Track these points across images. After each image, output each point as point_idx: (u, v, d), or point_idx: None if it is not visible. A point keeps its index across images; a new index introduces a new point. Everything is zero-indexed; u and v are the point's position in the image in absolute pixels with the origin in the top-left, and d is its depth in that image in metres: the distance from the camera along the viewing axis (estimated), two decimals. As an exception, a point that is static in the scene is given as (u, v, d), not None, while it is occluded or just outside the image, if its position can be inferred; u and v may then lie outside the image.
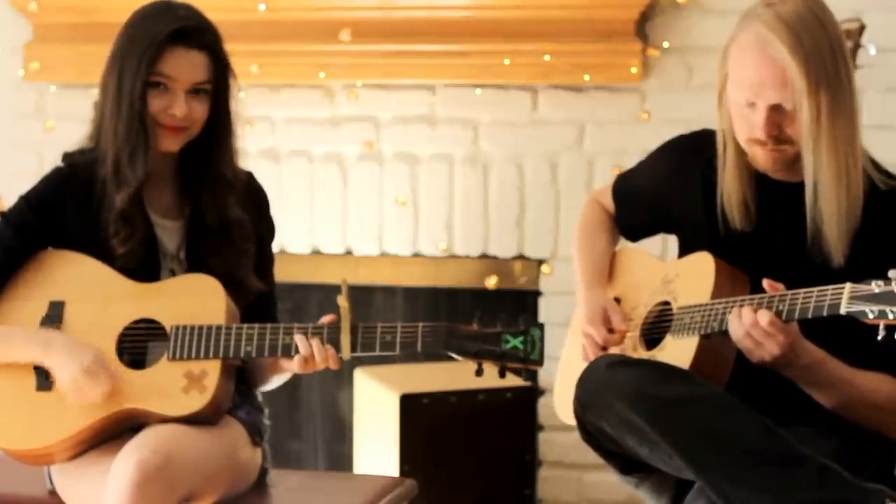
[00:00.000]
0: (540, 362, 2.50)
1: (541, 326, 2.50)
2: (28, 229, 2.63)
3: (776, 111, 2.48)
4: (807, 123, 2.46)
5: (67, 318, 2.60)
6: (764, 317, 2.38)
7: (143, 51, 2.56)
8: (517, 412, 3.71)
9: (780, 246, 2.57)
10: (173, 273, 2.66)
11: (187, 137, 2.63)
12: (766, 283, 2.43)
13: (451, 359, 2.53)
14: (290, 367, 2.56)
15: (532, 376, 3.89)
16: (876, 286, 2.26)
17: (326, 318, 2.55)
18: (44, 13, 4.14)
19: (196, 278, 2.61)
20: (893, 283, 2.24)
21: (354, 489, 2.80)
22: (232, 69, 2.66)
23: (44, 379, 2.55)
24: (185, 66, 2.58)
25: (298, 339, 2.52)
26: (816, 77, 2.44)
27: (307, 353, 2.51)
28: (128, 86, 2.57)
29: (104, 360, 2.52)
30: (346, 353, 2.52)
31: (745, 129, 2.53)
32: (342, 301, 2.51)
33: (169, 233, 2.67)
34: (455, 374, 3.80)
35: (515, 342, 2.50)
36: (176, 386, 2.51)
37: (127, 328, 2.58)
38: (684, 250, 2.73)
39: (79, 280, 2.61)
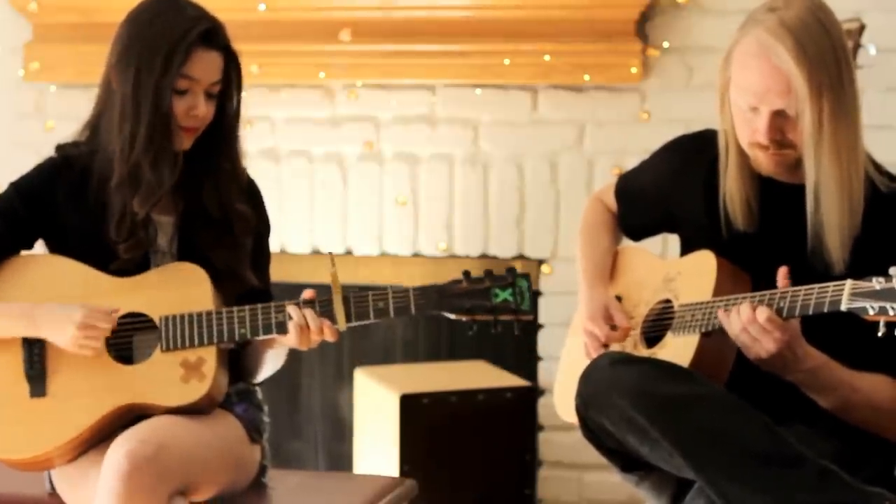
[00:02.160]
0: (530, 313, 2.54)
1: (526, 276, 2.53)
2: (15, 217, 2.62)
3: (779, 116, 2.47)
4: (809, 129, 2.46)
5: None
6: (762, 313, 2.38)
7: (167, 53, 2.53)
8: (517, 412, 3.70)
9: (782, 247, 2.57)
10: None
11: (197, 135, 2.64)
12: (781, 271, 2.42)
13: (447, 326, 2.54)
14: (287, 342, 2.54)
15: (532, 376, 3.92)
16: (877, 283, 2.26)
17: (309, 293, 2.54)
18: (44, 13, 4.14)
19: (178, 267, 2.60)
20: (894, 280, 2.25)
21: (354, 489, 2.80)
22: (240, 66, 2.66)
23: (37, 385, 2.54)
24: (209, 68, 2.58)
25: (291, 309, 2.50)
26: (819, 83, 2.44)
27: (301, 322, 2.50)
28: (151, 89, 2.54)
29: (93, 308, 2.51)
30: (342, 323, 2.51)
31: (747, 133, 2.53)
32: (332, 273, 2.51)
33: (161, 228, 2.66)
34: (455, 374, 3.80)
35: (505, 295, 2.52)
36: (174, 376, 2.51)
37: None
38: (686, 250, 2.73)
39: (55, 281, 2.59)
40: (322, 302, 2.52)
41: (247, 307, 2.54)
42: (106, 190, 2.61)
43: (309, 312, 2.50)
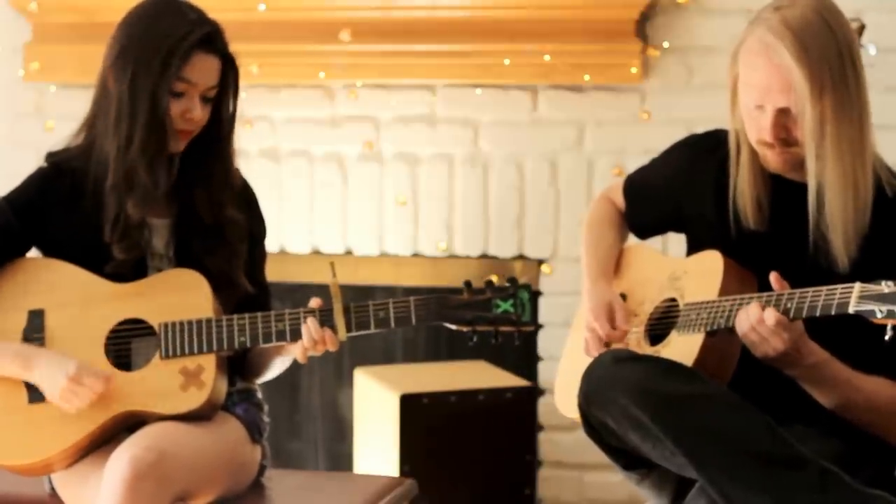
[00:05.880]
0: (531, 324, 2.55)
1: (527, 287, 2.54)
2: (9, 231, 2.61)
3: (783, 114, 2.48)
4: (810, 128, 2.46)
5: (49, 327, 2.57)
6: (770, 317, 2.37)
7: (166, 55, 2.52)
8: (517, 412, 3.70)
9: (791, 245, 2.57)
10: (160, 272, 2.64)
11: (191, 138, 2.63)
12: (773, 276, 2.43)
13: (446, 328, 2.55)
14: (293, 351, 2.55)
15: (532, 376, 3.91)
16: (886, 286, 2.26)
17: (314, 302, 2.55)
18: (44, 13, 4.14)
19: (177, 273, 2.59)
20: (903, 284, 2.25)
21: (354, 489, 2.80)
22: (238, 71, 2.65)
23: (36, 391, 2.53)
24: (206, 72, 2.57)
25: (306, 324, 2.50)
26: (821, 82, 2.44)
27: (315, 336, 2.50)
28: (148, 91, 2.52)
29: (89, 366, 2.49)
30: (343, 333, 2.52)
31: (754, 131, 2.53)
32: (332, 283, 2.51)
33: (157, 231, 2.65)
34: (455, 374, 3.80)
35: (506, 306, 2.53)
36: (173, 384, 2.50)
37: (112, 330, 2.56)
38: (694, 249, 2.72)
39: (55, 286, 2.58)
40: (323, 312, 2.52)
41: (247, 315, 2.53)
42: (102, 191, 2.59)
43: (311, 321, 2.51)
